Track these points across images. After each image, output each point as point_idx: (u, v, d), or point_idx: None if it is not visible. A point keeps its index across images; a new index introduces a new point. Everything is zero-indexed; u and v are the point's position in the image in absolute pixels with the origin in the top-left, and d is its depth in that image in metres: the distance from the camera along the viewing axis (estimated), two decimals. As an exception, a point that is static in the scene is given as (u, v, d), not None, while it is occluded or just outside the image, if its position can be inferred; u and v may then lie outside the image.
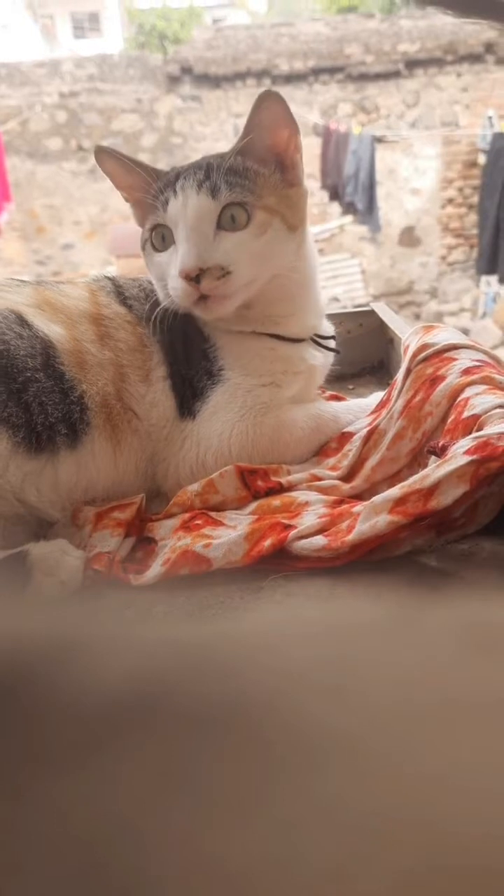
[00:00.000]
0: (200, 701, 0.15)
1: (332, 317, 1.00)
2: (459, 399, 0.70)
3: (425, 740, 0.14)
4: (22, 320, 0.77)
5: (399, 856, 0.12)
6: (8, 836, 0.12)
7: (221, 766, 0.13)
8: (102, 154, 0.84)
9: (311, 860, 0.12)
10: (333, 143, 5.99)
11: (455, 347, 0.77)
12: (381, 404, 0.83)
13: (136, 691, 0.15)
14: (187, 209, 0.77)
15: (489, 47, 6.55)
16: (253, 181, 0.79)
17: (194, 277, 0.76)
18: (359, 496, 0.75)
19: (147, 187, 0.82)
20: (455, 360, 0.75)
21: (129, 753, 0.14)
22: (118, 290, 0.87)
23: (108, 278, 0.90)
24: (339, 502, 0.72)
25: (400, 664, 0.17)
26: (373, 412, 0.85)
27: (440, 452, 0.65)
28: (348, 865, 0.11)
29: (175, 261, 0.78)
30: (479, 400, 0.68)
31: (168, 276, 0.80)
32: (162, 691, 0.16)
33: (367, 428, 0.80)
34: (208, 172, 0.78)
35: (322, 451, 0.84)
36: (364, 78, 6.59)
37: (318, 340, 0.92)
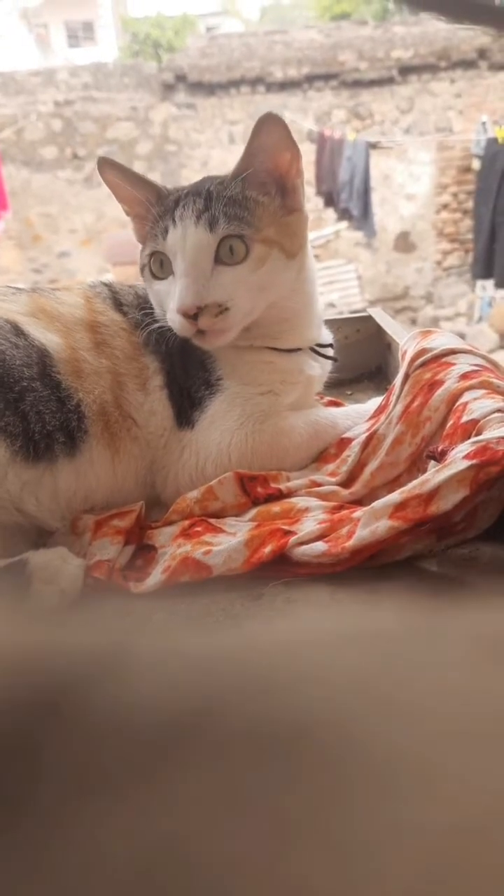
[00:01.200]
0: (256, 719, 0.15)
1: (329, 323, 1.00)
2: (458, 404, 0.70)
3: (487, 754, 0.14)
4: (17, 330, 0.76)
5: (477, 877, 0.11)
6: (49, 875, 0.12)
7: (289, 787, 0.13)
8: (105, 165, 0.82)
9: (390, 882, 0.11)
10: (328, 150, 6.00)
11: (453, 352, 0.77)
12: (380, 409, 0.83)
13: (186, 710, 0.15)
14: (186, 242, 0.76)
15: (482, 53, 6.60)
16: (252, 212, 0.78)
17: (192, 315, 0.76)
18: (358, 502, 0.75)
19: (148, 206, 0.81)
20: (453, 364, 0.75)
21: (183, 774, 0.13)
22: (114, 296, 0.87)
23: (105, 284, 0.90)
24: (339, 508, 0.72)
25: (445, 676, 0.17)
26: (371, 417, 0.84)
27: (439, 457, 0.65)
28: (428, 887, 0.11)
29: (174, 292, 0.77)
30: (477, 404, 0.68)
31: (167, 307, 0.79)
32: (212, 709, 0.15)
33: (366, 433, 0.80)
34: (207, 202, 0.77)
35: (321, 457, 0.84)
36: (358, 84, 6.62)
37: (317, 350, 0.91)
